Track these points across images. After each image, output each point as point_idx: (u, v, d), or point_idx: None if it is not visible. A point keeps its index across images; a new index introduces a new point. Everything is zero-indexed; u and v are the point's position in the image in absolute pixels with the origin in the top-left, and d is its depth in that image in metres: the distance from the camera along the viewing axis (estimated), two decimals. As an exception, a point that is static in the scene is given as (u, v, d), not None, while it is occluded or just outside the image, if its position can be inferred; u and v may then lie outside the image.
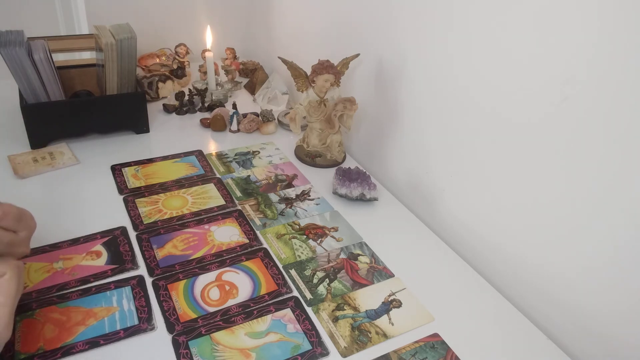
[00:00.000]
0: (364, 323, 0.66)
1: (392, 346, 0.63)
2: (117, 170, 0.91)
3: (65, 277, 0.68)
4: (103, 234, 0.76)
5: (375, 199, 0.88)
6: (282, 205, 0.87)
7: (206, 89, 1.19)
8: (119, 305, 0.64)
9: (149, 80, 1.17)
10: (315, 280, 0.71)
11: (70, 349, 0.58)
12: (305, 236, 0.80)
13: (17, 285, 0.51)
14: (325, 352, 0.61)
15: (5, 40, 0.86)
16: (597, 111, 0.57)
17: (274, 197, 0.89)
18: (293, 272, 0.73)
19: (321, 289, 0.70)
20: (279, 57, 0.96)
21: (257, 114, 1.11)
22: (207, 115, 1.15)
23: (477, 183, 0.76)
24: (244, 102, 1.24)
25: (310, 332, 0.63)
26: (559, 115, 0.61)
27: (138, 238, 0.76)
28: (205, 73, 1.28)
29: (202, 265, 0.72)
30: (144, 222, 0.79)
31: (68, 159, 0.93)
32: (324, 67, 0.90)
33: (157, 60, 1.28)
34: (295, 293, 0.69)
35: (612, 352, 0.62)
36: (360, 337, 0.64)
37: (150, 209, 0.82)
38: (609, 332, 0.61)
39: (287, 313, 0.66)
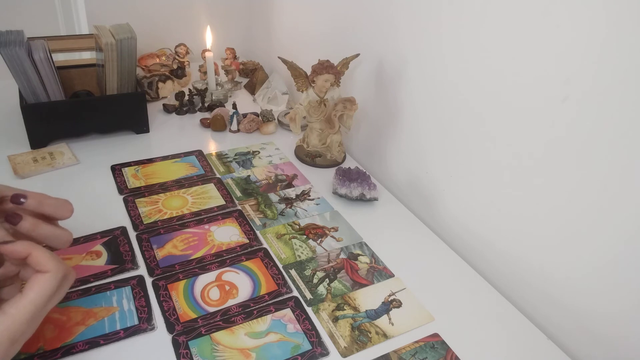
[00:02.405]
0: (364, 323, 0.65)
1: (392, 346, 0.63)
2: (117, 170, 0.91)
3: (65, 277, 0.67)
4: (103, 234, 0.76)
5: (375, 199, 0.88)
6: (282, 205, 0.87)
7: (206, 89, 1.19)
8: (119, 305, 0.64)
9: (149, 80, 1.17)
10: (315, 280, 0.71)
11: (70, 349, 0.58)
12: (305, 236, 0.80)
13: (53, 290, 0.46)
14: (325, 352, 0.61)
15: (5, 40, 0.86)
16: (599, 111, 0.57)
17: (274, 197, 0.89)
18: (293, 272, 0.73)
19: (321, 289, 0.70)
20: (279, 57, 0.96)
21: (257, 114, 1.11)
22: (207, 115, 1.15)
23: (478, 183, 0.76)
24: (244, 102, 1.24)
25: (310, 332, 0.63)
26: (559, 115, 0.61)
27: (138, 238, 0.76)
28: (205, 73, 1.28)
29: (202, 265, 0.72)
30: (144, 222, 0.79)
31: (68, 159, 0.93)
32: (324, 67, 0.90)
33: (157, 60, 1.28)
34: (295, 293, 0.69)
35: (613, 353, 0.61)
36: (360, 337, 0.64)
37: (150, 209, 0.82)
38: (610, 333, 0.61)
39: (287, 313, 0.66)
